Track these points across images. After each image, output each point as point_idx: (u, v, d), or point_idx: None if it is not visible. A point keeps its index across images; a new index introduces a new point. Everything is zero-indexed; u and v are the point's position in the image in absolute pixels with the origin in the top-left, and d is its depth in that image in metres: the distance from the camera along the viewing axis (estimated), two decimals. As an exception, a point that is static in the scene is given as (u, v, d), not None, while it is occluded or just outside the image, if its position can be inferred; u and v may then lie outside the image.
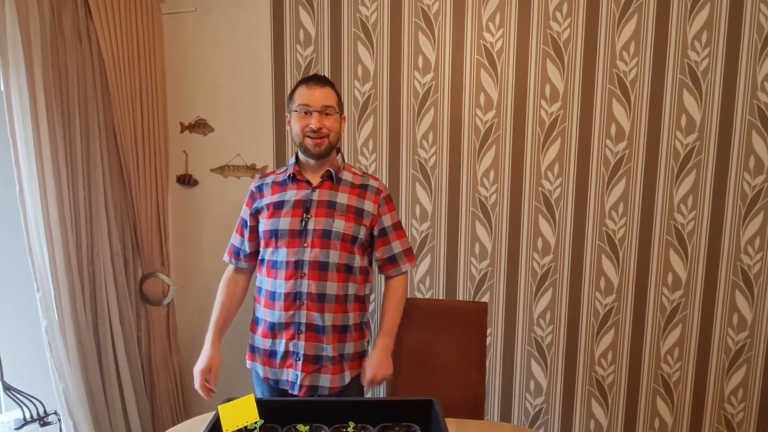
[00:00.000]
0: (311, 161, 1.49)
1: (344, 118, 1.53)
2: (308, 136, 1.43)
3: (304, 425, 1.11)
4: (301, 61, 2.13)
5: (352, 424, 1.12)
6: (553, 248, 2.08)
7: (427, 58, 2.05)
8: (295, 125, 1.46)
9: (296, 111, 1.45)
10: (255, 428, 1.10)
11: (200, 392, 1.46)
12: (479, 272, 2.13)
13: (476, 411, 1.76)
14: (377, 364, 1.47)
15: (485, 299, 2.14)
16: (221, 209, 2.24)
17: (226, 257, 1.60)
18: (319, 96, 1.43)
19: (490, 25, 2.00)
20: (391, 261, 1.54)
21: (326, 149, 1.46)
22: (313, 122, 1.42)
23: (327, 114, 1.44)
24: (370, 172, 2.10)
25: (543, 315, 2.12)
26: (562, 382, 2.14)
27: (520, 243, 2.09)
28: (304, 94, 1.44)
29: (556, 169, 2.04)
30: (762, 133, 1.90)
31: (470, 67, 2.03)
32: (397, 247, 1.54)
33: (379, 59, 2.08)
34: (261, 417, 1.10)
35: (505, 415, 2.20)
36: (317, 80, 1.46)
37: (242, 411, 1.09)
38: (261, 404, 1.12)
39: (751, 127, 1.90)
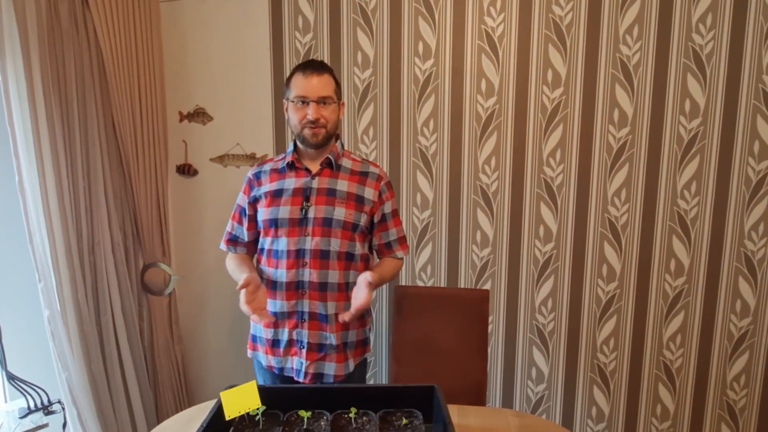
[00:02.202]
0: (310, 150, 1.47)
1: (343, 103, 1.51)
2: (306, 127, 1.42)
3: (306, 411, 1.11)
4: (300, 48, 2.10)
5: (354, 410, 1.12)
6: (555, 235, 2.07)
7: (427, 43, 2.03)
8: (292, 116, 1.44)
9: (293, 102, 1.43)
10: (257, 414, 1.10)
11: (249, 313, 1.27)
12: (481, 260, 2.12)
13: (478, 398, 1.77)
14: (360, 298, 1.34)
15: (487, 287, 2.13)
16: (221, 199, 2.23)
17: (223, 246, 1.59)
18: (316, 86, 1.40)
19: (491, 9, 1.97)
20: (387, 246, 1.55)
21: (324, 139, 1.44)
22: (310, 113, 1.40)
23: (324, 104, 1.42)
24: (370, 160, 2.09)
25: (545, 302, 2.11)
26: (564, 369, 2.14)
27: (522, 230, 2.08)
28: (300, 84, 1.41)
29: (558, 155, 2.02)
30: (767, 117, 1.87)
31: (471, 52, 2.01)
32: (393, 234, 1.54)
33: (379, 45, 2.05)
34: (263, 404, 1.10)
35: (507, 403, 2.21)
36: (314, 68, 1.42)
37: (244, 397, 1.09)
38: (263, 391, 1.12)
39: (756, 111, 1.88)
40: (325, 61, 2.08)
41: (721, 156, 1.93)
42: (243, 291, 1.29)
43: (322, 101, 1.41)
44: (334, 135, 1.49)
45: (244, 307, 1.29)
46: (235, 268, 1.50)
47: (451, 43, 2.01)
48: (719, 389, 2.07)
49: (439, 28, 2.01)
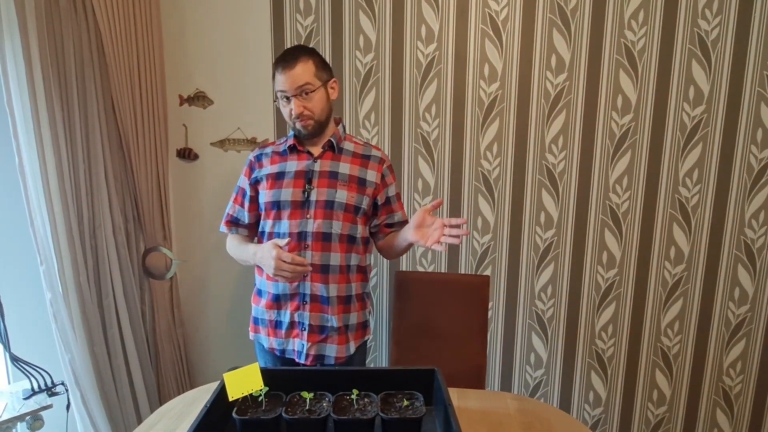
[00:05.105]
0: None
1: (335, 81, 1.48)
2: (295, 121, 1.43)
3: (308, 392, 1.12)
4: (302, 30, 2.08)
5: (355, 391, 1.13)
6: (556, 222, 2.07)
7: (430, 27, 2.00)
8: (282, 111, 1.46)
9: (277, 98, 1.44)
10: (260, 395, 1.11)
11: (292, 268, 1.32)
12: (481, 246, 2.13)
13: (477, 382, 1.79)
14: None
15: (487, 273, 2.14)
16: (222, 183, 2.22)
17: (223, 227, 1.59)
18: (291, 79, 1.38)
19: (496, -7, 1.95)
20: (389, 227, 1.56)
21: (315, 128, 1.44)
22: (293, 108, 1.40)
23: (306, 93, 1.40)
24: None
25: (544, 289, 2.12)
26: (563, 355, 2.16)
27: (523, 217, 2.08)
28: (278, 80, 1.40)
29: (560, 142, 2.01)
30: (771, 105, 1.87)
31: (474, 37, 1.99)
32: (398, 216, 1.56)
33: (382, 29, 2.03)
34: (265, 386, 1.11)
35: (506, 387, 2.23)
36: (284, 61, 1.39)
37: (247, 379, 1.10)
38: (265, 373, 1.13)
39: (761, 98, 1.87)
40: (327, 44, 2.06)
41: (723, 144, 1.92)
42: (278, 249, 1.33)
43: (302, 92, 1.39)
44: (326, 120, 1.47)
45: (288, 257, 1.31)
46: (238, 244, 1.54)
47: (454, 27, 1.99)
48: (715, 375, 2.09)
49: (442, 11, 1.99)
